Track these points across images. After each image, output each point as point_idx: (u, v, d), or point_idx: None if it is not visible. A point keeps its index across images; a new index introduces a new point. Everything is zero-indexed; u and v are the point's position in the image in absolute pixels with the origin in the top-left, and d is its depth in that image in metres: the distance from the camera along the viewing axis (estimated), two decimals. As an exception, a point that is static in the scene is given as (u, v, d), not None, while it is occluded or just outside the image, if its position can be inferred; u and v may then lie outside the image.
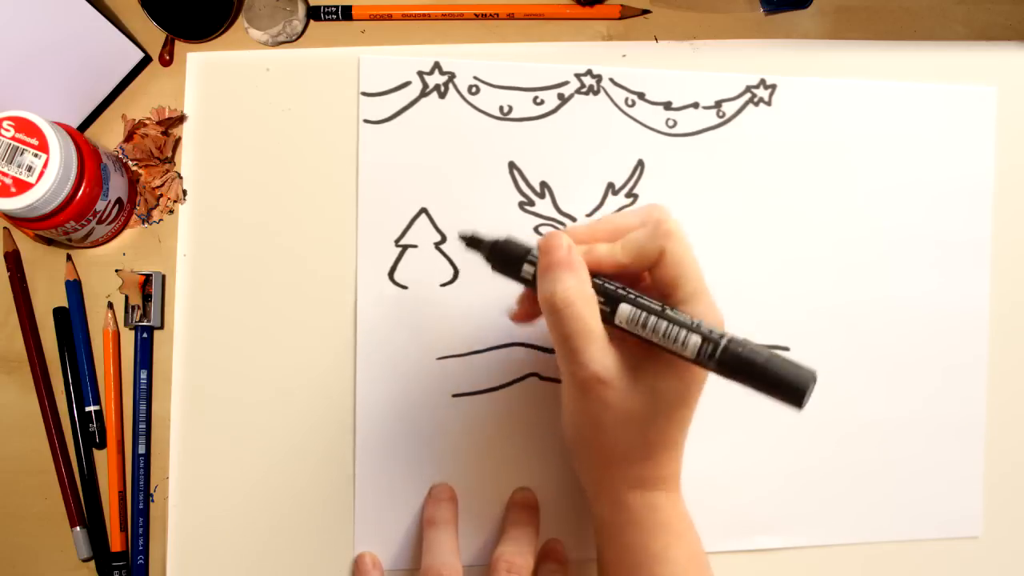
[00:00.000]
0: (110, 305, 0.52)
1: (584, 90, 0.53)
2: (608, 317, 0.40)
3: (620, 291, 0.41)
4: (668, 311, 0.39)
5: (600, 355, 0.40)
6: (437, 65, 0.53)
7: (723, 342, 0.37)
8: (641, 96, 0.53)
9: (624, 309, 0.40)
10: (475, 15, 0.54)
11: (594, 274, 0.41)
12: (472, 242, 0.44)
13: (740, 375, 0.37)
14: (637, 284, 0.43)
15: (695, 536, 0.44)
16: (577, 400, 0.42)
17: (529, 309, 0.45)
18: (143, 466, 0.51)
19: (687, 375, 0.40)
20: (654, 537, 0.42)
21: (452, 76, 0.53)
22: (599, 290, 0.41)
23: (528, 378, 0.52)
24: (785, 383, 0.36)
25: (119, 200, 0.50)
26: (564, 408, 0.44)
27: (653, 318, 0.39)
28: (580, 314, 0.40)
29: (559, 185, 0.53)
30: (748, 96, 0.54)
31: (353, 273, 0.52)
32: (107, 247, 0.52)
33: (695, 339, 0.38)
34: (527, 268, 0.42)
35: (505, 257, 0.43)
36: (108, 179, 0.49)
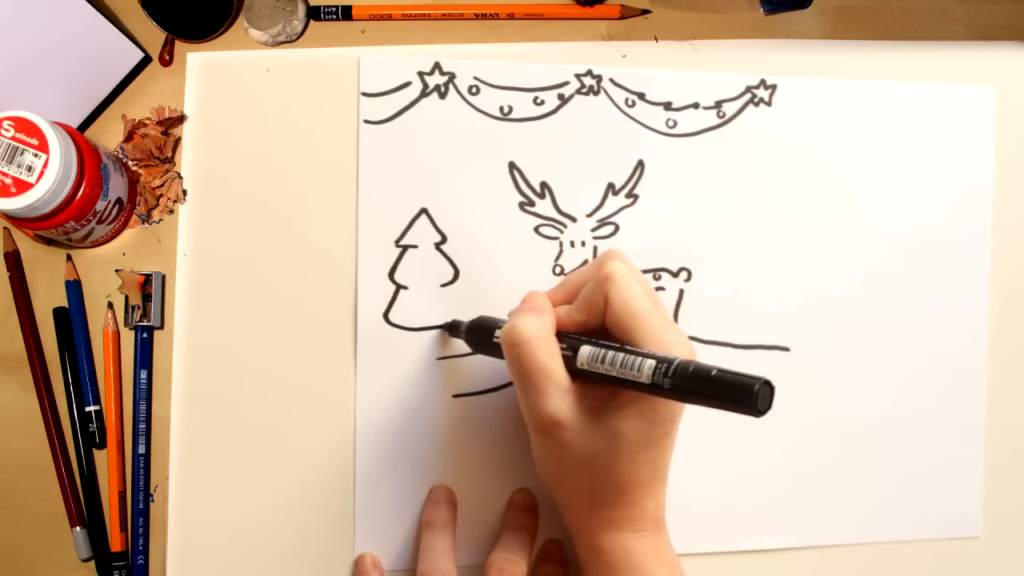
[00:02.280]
0: (110, 305, 0.52)
1: (584, 90, 0.53)
2: (572, 363, 0.41)
3: (582, 338, 0.42)
4: (626, 347, 0.40)
5: (557, 397, 0.41)
6: (437, 65, 0.53)
7: (676, 361, 0.38)
8: (641, 96, 0.53)
9: (584, 350, 0.41)
10: (475, 15, 0.54)
11: (576, 329, 0.43)
12: (452, 329, 0.49)
13: (694, 393, 0.37)
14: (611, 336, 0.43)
15: None
16: (538, 442, 0.43)
17: None
18: (143, 466, 0.51)
19: (650, 414, 0.40)
20: None
21: (452, 76, 0.53)
22: (562, 339, 0.42)
23: (528, 378, 0.52)
24: (736, 389, 0.36)
25: (119, 200, 0.50)
26: (533, 452, 0.44)
27: (611, 352, 0.40)
28: (536, 352, 0.41)
29: (559, 185, 0.53)
30: (748, 96, 0.54)
31: (353, 273, 0.52)
32: (107, 247, 0.52)
33: (649, 363, 0.38)
34: (498, 334, 0.44)
35: (480, 331, 0.46)
36: (108, 179, 0.49)
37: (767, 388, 0.36)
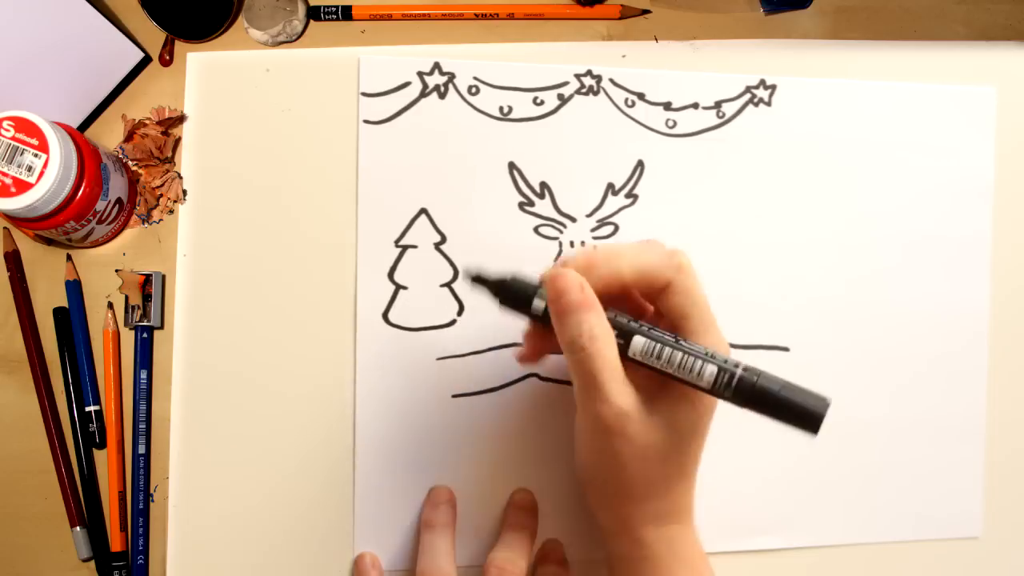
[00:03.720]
0: (110, 305, 0.52)
1: (584, 90, 0.53)
2: (623, 351, 0.40)
3: (633, 324, 0.41)
4: (682, 342, 0.40)
5: (623, 391, 0.40)
6: (437, 65, 0.53)
7: (739, 371, 0.38)
8: (641, 96, 0.53)
9: (638, 341, 0.40)
10: (475, 15, 0.54)
11: (605, 308, 0.41)
12: (479, 280, 0.44)
13: (756, 404, 0.37)
14: (642, 317, 0.43)
15: (708, 569, 0.44)
16: (598, 437, 0.42)
17: (537, 347, 0.44)
18: (143, 466, 0.51)
19: (700, 405, 0.41)
20: (670, 572, 0.42)
21: (452, 76, 0.53)
22: (613, 324, 0.41)
23: (528, 378, 0.52)
24: (802, 412, 0.36)
25: (119, 200, 0.50)
26: (579, 448, 0.44)
27: (668, 349, 0.39)
28: (603, 351, 0.40)
29: (559, 185, 0.53)
30: (748, 96, 0.54)
31: (353, 273, 0.52)
32: (107, 247, 0.52)
33: (711, 369, 0.38)
34: (537, 304, 0.41)
35: (515, 295, 0.43)
36: (108, 179, 0.49)
37: (828, 409, 0.36)
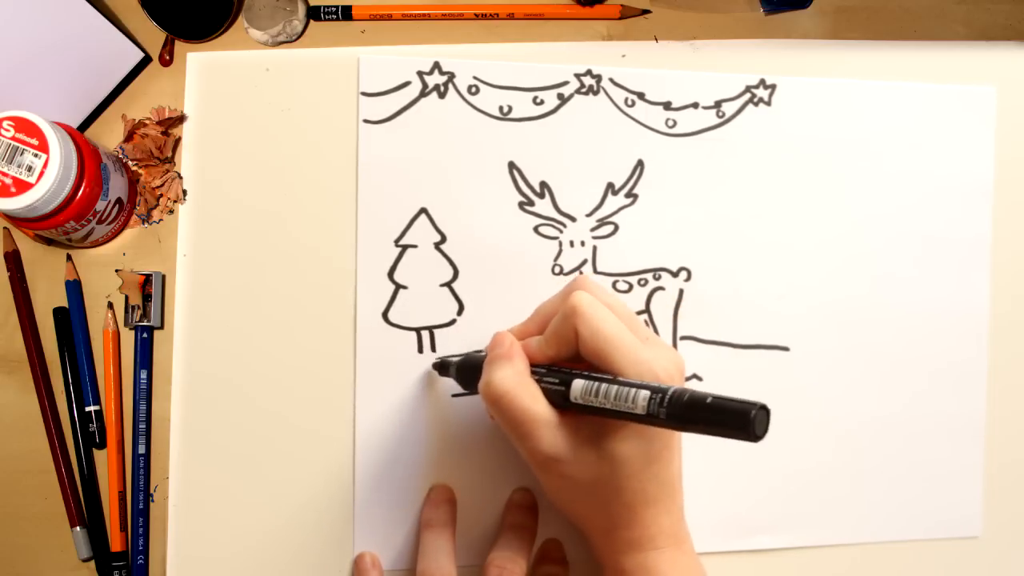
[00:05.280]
0: (110, 305, 0.52)
1: (584, 90, 0.53)
2: (564, 396, 0.41)
3: (574, 372, 0.42)
4: (619, 378, 0.40)
5: (548, 435, 0.41)
6: (437, 65, 0.53)
7: (670, 391, 0.38)
8: (641, 96, 0.53)
9: (577, 384, 0.41)
10: (475, 15, 0.54)
11: (548, 362, 0.43)
12: (441, 368, 0.49)
13: (690, 421, 0.37)
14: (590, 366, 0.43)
15: None
16: (542, 479, 0.44)
17: None
18: (143, 466, 0.51)
19: (648, 433, 0.41)
20: None
21: (452, 76, 0.53)
22: (552, 373, 0.42)
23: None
24: (732, 415, 0.36)
25: (119, 200, 0.50)
26: (541, 486, 0.45)
27: (604, 385, 0.40)
28: (515, 402, 0.41)
29: (559, 185, 0.53)
30: (748, 96, 0.54)
31: (353, 273, 0.52)
32: (107, 247, 0.52)
33: (644, 394, 0.38)
34: None
35: (468, 371, 0.46)
36: (108, 179, 0.49)
37: (763, 413, 0.36)
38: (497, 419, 0.43)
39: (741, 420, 0.36)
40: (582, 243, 0.53)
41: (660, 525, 0.43)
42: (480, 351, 0.47)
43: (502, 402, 0.41)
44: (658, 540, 0.43)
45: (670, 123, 0.53)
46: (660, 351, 0.42)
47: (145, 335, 0.51)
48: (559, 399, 0.41)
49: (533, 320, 0.46)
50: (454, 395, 0.52)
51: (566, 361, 0.43)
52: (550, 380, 0.42)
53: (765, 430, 0.36)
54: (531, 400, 0.41)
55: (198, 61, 0.53)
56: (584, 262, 0.53)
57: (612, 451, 0.41)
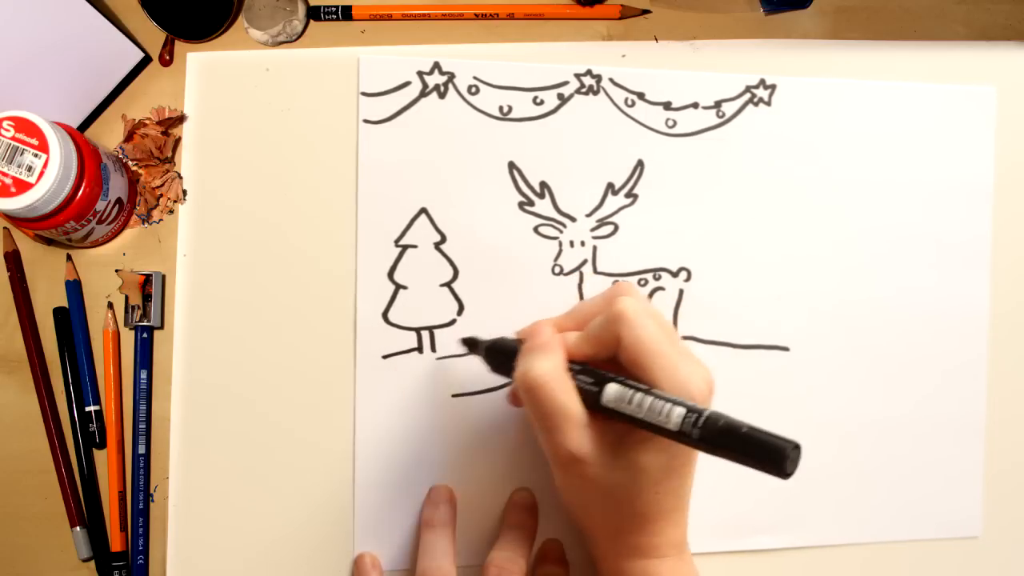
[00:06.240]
0: (110, 305, 0.52)
1: (584, 90, 0.53)
2: (596, 398, 0.41)
3: (609, 375, 0.41)
4: (654, 390, 0.40)
5: (576, 434, 0.41)
6: (437, 65, 0.53)
7: (706, 412, 0.37)
8: (641, 96, 0.53)
9: (612, 388, 0.40)
10: (475, 15, 0.54)
11: (582, 360, 0.42)
12: (470, 344, 0.48)
13: (721, 447, 0.37)
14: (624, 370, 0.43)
15: None
16: (560, 476, 0.43)
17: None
18: (143, 466, 0.51)
19: (671, 447, 0.41)
20: None
21: (452, 76, 0.53)
22: (587, 372, 0.42)
23: (528, 378, 0.52)
24: (766, 450, 0.35)
25: (119, 200, 0.50)
26: (555, 481, 0.44)
27: (639, 395, 0.39)
28: (552, 395, 0.41)
29: (559, 185, 0.53)
30: (748, 96, 0.54)
31: (353, 273, 0.52)
32: (107, 247, 0.52)
33: (679, 411, 0.38)
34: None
35: (499, 353, 0.46)
36: (108, 179, 0.49)
37: (797, 453, 0.35)
38: (527, 408, 0.42)
39: (776, 456, 0.35)
40: (582, 243, 0.53)
41: (667, 535, 0.43)
42: (505, 337, 0.46)
43: (539, 393, 0.41)
44: (663, 549, 0.43)
45: (670, 123, 0.53)
46: (696, 368, 0.41)
47: (145, 335, 0.51)
48: (590, 400, 0.41)
49: (571, 317, 0.45)
50: (454, 395, 0.52)
51: (601, 364, 0.43)
52: (584, 379, 0.41)
53: (795, 468, 0.35)
54: (566, 396, 0.41)
55: (198, 61, 0.53)
56: (584, 262, 0.53)
57: (635, 460, 0.41)
